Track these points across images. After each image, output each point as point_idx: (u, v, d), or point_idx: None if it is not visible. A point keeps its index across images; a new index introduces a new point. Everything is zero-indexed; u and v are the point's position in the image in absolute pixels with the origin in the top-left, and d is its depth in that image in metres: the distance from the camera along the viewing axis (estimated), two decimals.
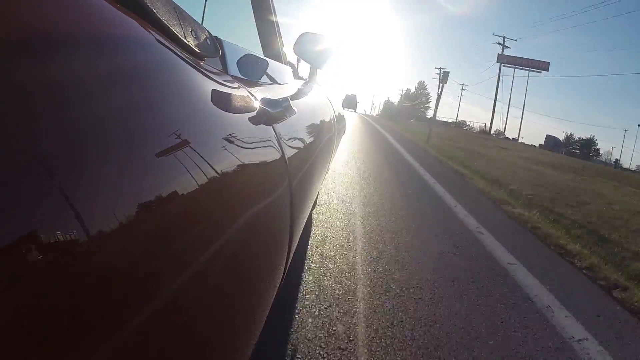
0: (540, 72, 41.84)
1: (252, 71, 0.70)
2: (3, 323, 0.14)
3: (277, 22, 1.10)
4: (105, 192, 0.19)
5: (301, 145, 0.78)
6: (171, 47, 0.34)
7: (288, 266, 0.72)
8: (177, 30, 0.37)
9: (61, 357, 0.16)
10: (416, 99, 65.53)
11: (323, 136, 1.18)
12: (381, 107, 78.45)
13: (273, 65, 0.92)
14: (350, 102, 39.63)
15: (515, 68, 41.66)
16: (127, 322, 0.20)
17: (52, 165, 0.16)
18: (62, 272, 0.16)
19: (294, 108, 0.77)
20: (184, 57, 0.36)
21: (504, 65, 41.28)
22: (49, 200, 0.16)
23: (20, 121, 0.16)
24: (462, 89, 62.12)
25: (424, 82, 70.34)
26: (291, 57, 1.24)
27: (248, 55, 0.71)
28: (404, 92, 72.89)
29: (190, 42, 0.40)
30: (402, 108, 62.78)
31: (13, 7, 0.18)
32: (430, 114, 63.91)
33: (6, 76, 0.16)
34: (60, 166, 0.17)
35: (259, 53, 0.97)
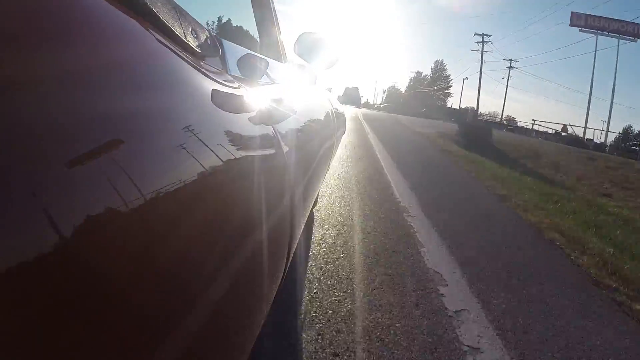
0: (636, 41, 26.68)
1: (252, 71, 0.70)
2: (3, 323, 0.14)
3: (276, 19, 1.10)
4: (105, 191, 0.19)
5: (301, 144, 0.78)
6: (171, 46, 0.34)
7: (288, 266, 0.72)
8: (178, 30, 0.37)
9: (63, 358, 0.16)
10: (433, 84, 50.81)
11: (323, 135, 1.18)
12: (385, 96, 61.39)
13: (273, 65, 0.92)
14: (351, 97, 31.68)
15: (597, 34, 26.69)
16: (128, 321, 0.20)
17: (51, 164, 0.16)
18: (64, 272, 0.16)
19: (294, 108, 0.77)
20: (185, 56, 0.36)
21: (582, 31, 27.04)
22: (48, 199, 0.16)
23: (20, 121, 0.16)
24: (510, 67, 38.27)
25: (442, 61, 54.86)
26: (291, 57, 1.23)
27: (248, 54, 0.71)
28: (414, 75, 56.30)
29: (191, 41, 0.40)
30: (414, 95, 49.06)
31: (13, 7, 0.18)
32: (452, 102, 48.42)
33: (6, 76, 0.16)
34: (59, 165, 0.17)
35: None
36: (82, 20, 0.23)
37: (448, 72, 52.41)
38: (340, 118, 2.07)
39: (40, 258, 0.15)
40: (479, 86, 35.93)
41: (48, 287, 0.15)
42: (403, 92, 56.58)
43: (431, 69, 54.18)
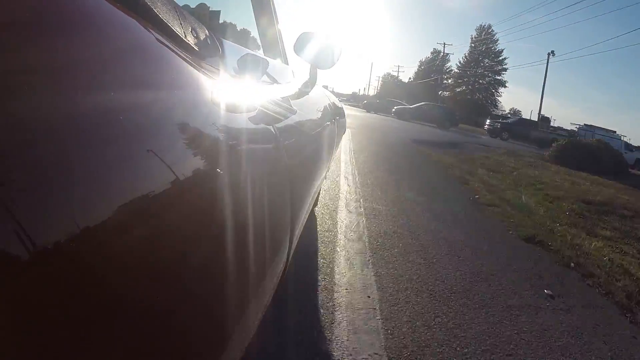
0: None
1: (252, 71, 0.70)
2: (2, 322, 0.14)
3: (276, 19, 1.10)
4: (106, 190, 0.19)
5: (301, 144, 0.78)
6: (171, 46, 0.34)
7: (288, 266, 0.72)
8: (178, 30, 0.37)
9: (63, 357, 0.16)
10: (475, 64, 29.05)
11: (323, 135, 1.18)
12: (379, 87, 42.03)
13: (273, 65, 0.92)
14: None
15: None
16: (129, 318, 0.20)
17: (51, 163, 0.16)
18: (64, 272, 0.16)
19: (294, 108, 0.77)
20: (184, 56, 0.36)
21: None
22: (47, 199, 0.16)
23: (20, 120, 0.16)
24: None
25: (488, 26, 29.78)
26: (291, 57, 1.23)
27: (248, 54, 0.71)
28: (431, 53, 34.51)
29: (191, 41, 0.40)
30: (427, 86, 29.51)
31: (14, 7, 0.18)
32: (503, 101, 25.99)
33: (6, 75, 0.16)
34: (58, 165, 0.17)
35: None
36: (83, 20, 0.23)
37: (499, 47, 28.68)
38: (340, 117, 2.07)
39: (39, 258, 0.15)
40: None
41: (46, 287, 0.15)
42: (408, 80, 37.44)
43: (471, 38, 30.36)
